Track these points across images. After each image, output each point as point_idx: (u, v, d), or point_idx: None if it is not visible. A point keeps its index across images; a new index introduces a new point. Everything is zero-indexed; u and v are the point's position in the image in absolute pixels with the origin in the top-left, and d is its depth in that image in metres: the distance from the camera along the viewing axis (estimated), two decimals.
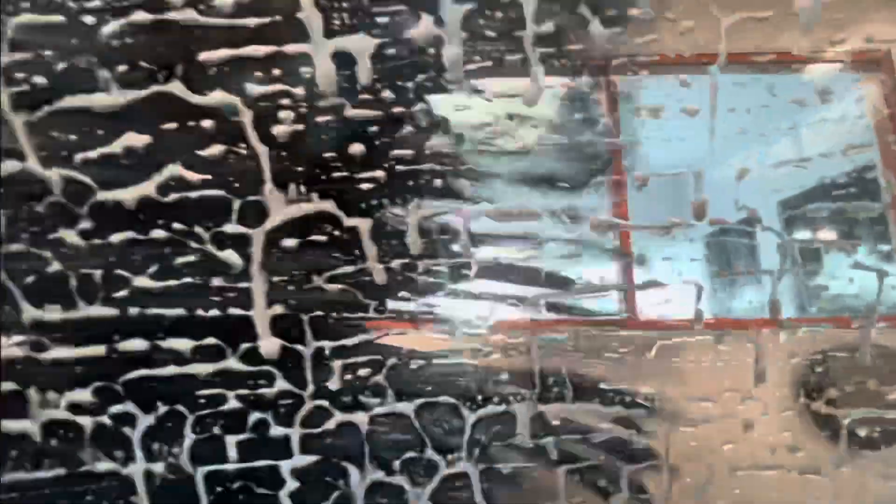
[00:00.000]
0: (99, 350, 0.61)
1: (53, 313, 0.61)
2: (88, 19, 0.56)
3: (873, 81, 2.35)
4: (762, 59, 2.11)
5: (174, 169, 0.58)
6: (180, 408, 0.62)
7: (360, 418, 0.62)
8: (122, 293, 0.61)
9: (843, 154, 2.98)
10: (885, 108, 2.35)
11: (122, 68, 0.55)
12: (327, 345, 0.60)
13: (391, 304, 0.63)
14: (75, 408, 0.62)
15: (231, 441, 0.62)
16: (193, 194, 0.59)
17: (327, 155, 0.57)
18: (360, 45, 0.55)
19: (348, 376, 0.61)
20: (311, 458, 0.60)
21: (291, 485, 0.60)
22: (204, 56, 0.56)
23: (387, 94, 0.58)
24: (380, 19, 0.58)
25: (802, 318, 3.23)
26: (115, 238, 0.60)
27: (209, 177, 0.58)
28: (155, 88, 0.57)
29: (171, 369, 0.61)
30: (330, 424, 0.61)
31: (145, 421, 0.62)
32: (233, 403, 0.62)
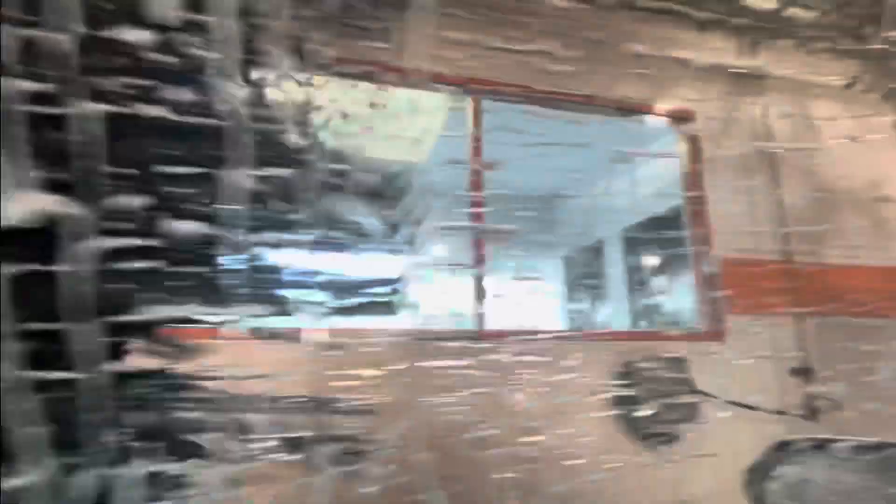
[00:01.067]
0: None
1: None
2: None
3: (685, 139, 2.83)
4: (606, 106, 2.43)
5: None
6: None
7: None
8: None
9: (655, 198, 3.53)
10: (690, 163, 2.84)
11: None
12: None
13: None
14: None
15: None
16: None
17: None
18: None
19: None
20: None
21: None
22: None
23: None
24: None
25: (632, 331, 3.70)
26: None
27: None
28: None
29: None
30: None
31: None
32: None
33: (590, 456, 2.03)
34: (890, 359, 2.55)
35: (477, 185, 2.39)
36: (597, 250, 4.55)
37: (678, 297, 3.33)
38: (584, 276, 4.65)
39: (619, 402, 2.21)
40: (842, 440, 0.95)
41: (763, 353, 2.42)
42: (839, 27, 2.72)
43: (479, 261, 2.32)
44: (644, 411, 2.18)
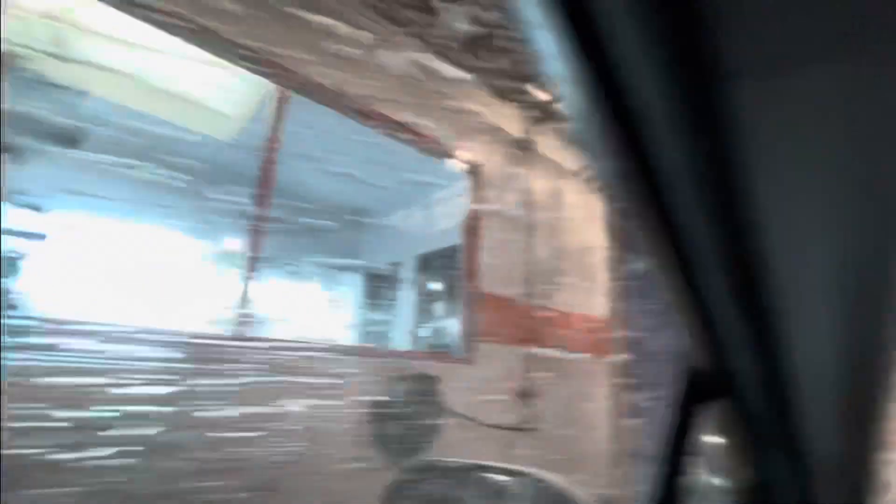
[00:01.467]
0: None
1: None
2: None
3: (471, 187, 3.20)
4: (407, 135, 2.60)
5: None
6: None
7: None
8: None
9: (446, 232, 3.90)
10: (471, 209, 3.23)
11: None
12: None
13: None
14: None
15: None
16: None
17: None
18: None
19: None
20: None
21: None
22: None
23: None
24: None
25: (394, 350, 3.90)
26: None
27: None
28: None
29: None
30: None
31: None
32: None
33: (339, 462, 2.07)
34: (580, 388, 3.27)
35: (266, 178, 2.28)
36: (394, 271, 4.77)
37: (450, 323, 3.70)
38: (380, 294, 4.81)
39: (374, 413, 2.32)
40: (468, 463, 0.96)
41: (499, 377, 2.85)
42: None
43: (253, 261, 2.20)
44: (395, 423, 2.32)
